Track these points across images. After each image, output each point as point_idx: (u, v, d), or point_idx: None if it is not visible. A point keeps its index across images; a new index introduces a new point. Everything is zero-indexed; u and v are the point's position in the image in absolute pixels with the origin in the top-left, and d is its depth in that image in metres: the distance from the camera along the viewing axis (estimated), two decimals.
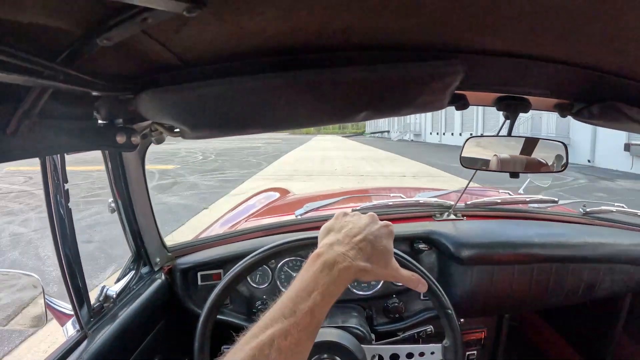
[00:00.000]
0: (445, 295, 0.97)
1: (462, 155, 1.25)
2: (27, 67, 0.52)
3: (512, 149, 1.20)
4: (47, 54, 0.57)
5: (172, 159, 18.56)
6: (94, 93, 0.76)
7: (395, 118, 54.18)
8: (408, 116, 45.45)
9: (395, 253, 0.79)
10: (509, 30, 0.71)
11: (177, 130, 0.92)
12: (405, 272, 0.77)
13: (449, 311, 0.97)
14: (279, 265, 1.51)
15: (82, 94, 0.75)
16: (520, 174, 1.21)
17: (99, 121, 0.85)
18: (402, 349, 1.13)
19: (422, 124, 41.29)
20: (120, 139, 0.88)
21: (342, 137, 65.36)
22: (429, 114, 37.42)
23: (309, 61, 0.76)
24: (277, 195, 3.12)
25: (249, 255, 1.05)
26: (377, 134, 67.43)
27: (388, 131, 60.64)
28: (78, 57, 0.60)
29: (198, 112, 0.81)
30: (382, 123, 69.89)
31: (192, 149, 24.94)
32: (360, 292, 1.51)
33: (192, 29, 0.62)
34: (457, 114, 29.80)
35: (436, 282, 0.96)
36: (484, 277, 1.47)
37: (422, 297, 1.51)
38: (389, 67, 0.76)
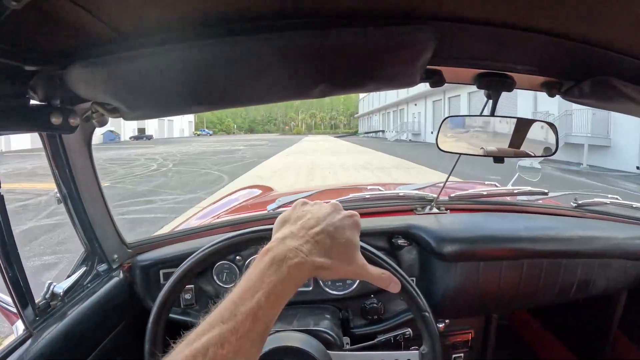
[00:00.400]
0: (421, 296, 0.87)
1: (438, 137, 1.13)
2: None
3: (494, 130, 1.10)
4: None
5: (117, 170, 14.95)
6: (26, 67, 0.71)
7: (391, 117, 52.10)
8: (405, 114, 44.40)
9: (362, 247, 0.70)
10: None
11: (117, 111, 0.86)
12: (374, 270, 0.68)
13: (426, 314, 0.87)
14: (246, 262, 1.41)
15: (11, 70, 0.70)
16: (509, 168, 1.11)
17: (33, 102, 0.80)
18: (374, 357, 1.03)
19: (422, 122, 39.18)
20: (56, 120, 0.83)
21: (335, 137, 62.07)
22: (429, 110, 35.29)
23: (253, 29, 0.70)
24: (259, 192, 3.03)
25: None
26: (370, 134, 65.15)
27: (383, 131, 58.07)
28: None
29: (133, 87, 0.76)
30: (376, 122, 67.69)
31: (157, 154, 21.72)
32: (335, 292, 1.41)
33: None
34: (464, 108, 27.84)
35: (411, 281, 0.86)
36: (469, 274, 1.38)
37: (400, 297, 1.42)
38: (345, 32, 0.69)
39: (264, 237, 0.86)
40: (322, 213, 0.66)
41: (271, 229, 0.70)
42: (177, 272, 0.94)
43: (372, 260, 0.80)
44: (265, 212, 1.76)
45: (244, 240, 0.93)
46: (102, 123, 1.03)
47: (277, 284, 0.54)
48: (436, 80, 0.94)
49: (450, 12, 0.72)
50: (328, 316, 1.29)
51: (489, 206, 1.79)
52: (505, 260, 1.39)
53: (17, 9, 0.51)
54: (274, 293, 0.53)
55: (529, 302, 1.54)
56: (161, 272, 1.39)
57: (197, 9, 0.67)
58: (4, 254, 0.92)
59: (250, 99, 0.83)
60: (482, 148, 1.11)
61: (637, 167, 14.16)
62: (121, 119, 0.89)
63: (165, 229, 5.93)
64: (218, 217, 2.21)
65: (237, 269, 1.41)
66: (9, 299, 1.10)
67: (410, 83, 0.84)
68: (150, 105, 0.82)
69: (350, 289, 1.41)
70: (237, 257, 1.41)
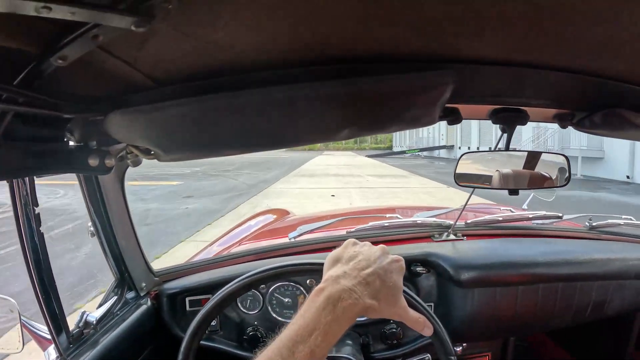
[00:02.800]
0: (450, 342, 0.90)
1: (456, 172, 1.19)
2: None
3: (510, 165, 1.15)
4: (3, 77, 0.55)
5: None
6: (65, 116, 0.73)
7: (476, 126, 29.03)
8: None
9: (404, 292, 0.75)
10: (502, 36, 0.68)
11: (152, 152, 0.89)
12: (413, 313, 0.73)
13: (452, 358, 0.90)
14: (269, 290, 1.45)
15: (51, 116, 0.72)
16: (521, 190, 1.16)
17: (71, 143, 0.83)
18: None
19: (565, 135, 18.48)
20: (93, 161, 0.86)
21: (366, 157, 35.56)
22: None
23: (285, 77, 0.73)
24: (277, 216, 3.08)
25: (250, 272, 1.00)
26: (422, 152, 38.00)
27: (451, 146, 34.20)
28: (37, 78, 0.58)
29: (169, 133, 0.78)
30: (430, 134, 38.82)
31: None
32: (358, 318, 1.43)
33: (155, 45, 0.60)
34: None
35: (442, 327, 0.90)
36: (485, 299, 1.41)
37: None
38: (370, 80, 0.72)
39: (314, 270, 0.91)
40: (372, 255, 0.71)
41: (321, 264, 0.74)
42: (221, 293, 0.97)
43: (411, 304, 0.85)
44: (287, 240, 1.80)
45: (293, 271, 0.98)
46: (136, 163, 1.07)
47: (332, 324, 0.58)
48: (454, 118, 0.97)
49: (469, 55, 0.75)
50: (350, 342, 1.30)
51: (505, 231, 1.81)
52: (522, 285, 1.41)
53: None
54: (329, 332, 0.57)
55: (545, 325, 1.56)
56: (187, 299, 1.43)
57: (229, 60, 0.70)
58: (41, 283, 0.97)
59: (280, 143, 0.86)
60: (497, 181, 1.16)
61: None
62: None
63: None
64: (240, 244, 2.25)
65: (260, 297, 1.45)
66: (41, 326, 1.16)
67: (430, 122, 0.87)
68: (184, 149, 0.85)
69: None
70: (262, 285, 1.44)
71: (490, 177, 1.18)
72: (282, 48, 0.68)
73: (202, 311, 0.97)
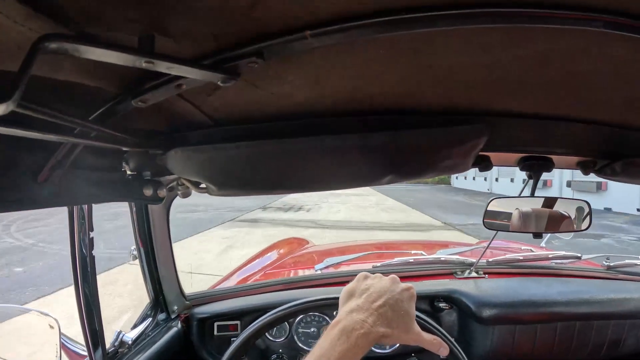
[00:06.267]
0: (466, 358, 0.95)
1: (485, 217, 1.26)
2: (59, 125, 0.52)
3: (534, 208, 1.20)
4: (80, 112, 0.58)
5: None
6: (124, 149, 0.78)
7: None
8: None
9: (417, 316, 0.80)
10: (535, 94, 0.73)
11: (203, 186, 0.93)
12: (427, 336, 0.77)
13: None
14: (297, 319, 1.50)
15: (110, 148, 0.77)
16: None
17: (127, 173, 0.87)
18: None
19: None
20: (147, 191, 0.90)
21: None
22: None
23: (336, 125, 0.78)
24: (296, 246, 3.12)
25: (273, 310, 1.06)
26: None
27: None
28: (111, 115, 0.62)
29: (224, 171, 0.83)
30: None
31: None
32: (379, 351, 1.49)
33: (225, 92, 0.65)
34: None
35: (457, 345, 0.95)
36: (505, 336, 1.45)
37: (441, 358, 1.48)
38: (415, 133, 0.77)
39: (332, 305, 0.97)
40: (383, 287, 0.76)
41: (338, 298, 0.80)
42: (251, 328, 1.03)
43: (425, 327, 0.90)
44: (314, 272, 1.86)
45: (316, 306, 1.04)
46: (186, 195, 1.10)
47: (347, 352, 0.64)
48: (485, 165, 1.00)
49: (502, 108, 0.80)
50: None
51: (525, 270, 1.84)
52: (540, 323, 1.45)
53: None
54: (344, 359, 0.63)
55: None
56: (215, 324, 1.48)
57: (286, 108, 0.75)
58: (86, 301, 1.02)
59: (327, 185, 0.90)
60: (517, 219, 1.21)
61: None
62: None
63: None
64: (264, 274, 2.30)
65: (287, 325, 1.50)
66: (76, 343, 1.21)
67: (463, 170, 0.91)
68: (236, 187, 0.88)
69: (392, 348, 1.48)
70: None
71: (510, 214, 1.22)
72: (335, 100, 0.73)
73: (240, 338, 1.03)
